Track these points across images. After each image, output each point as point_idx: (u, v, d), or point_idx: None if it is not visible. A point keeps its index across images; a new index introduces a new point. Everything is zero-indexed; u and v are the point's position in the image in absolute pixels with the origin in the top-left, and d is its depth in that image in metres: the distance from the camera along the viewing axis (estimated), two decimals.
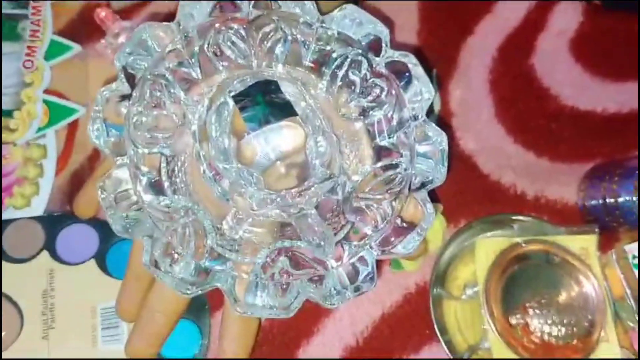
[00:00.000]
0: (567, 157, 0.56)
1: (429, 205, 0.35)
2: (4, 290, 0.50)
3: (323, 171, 0.32)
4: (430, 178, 0.36)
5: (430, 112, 0.56)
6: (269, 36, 0.34)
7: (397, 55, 0.35)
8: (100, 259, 0.51)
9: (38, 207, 0.53)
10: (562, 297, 0.48)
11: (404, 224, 0.35)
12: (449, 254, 0.52)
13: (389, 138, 0.35)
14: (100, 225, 0.52)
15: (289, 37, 0.34)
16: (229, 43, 0.34)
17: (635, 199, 0.48)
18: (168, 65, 0.34)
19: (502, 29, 0.59)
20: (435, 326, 0.50)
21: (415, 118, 0.35)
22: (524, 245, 0.49)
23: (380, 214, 0.34)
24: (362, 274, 0.35)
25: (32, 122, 0.53)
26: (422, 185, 0.36)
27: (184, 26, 0.35)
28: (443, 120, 0.57)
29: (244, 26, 0.34)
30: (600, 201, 0.51)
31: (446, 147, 0.35)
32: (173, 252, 0.35)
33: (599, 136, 0.56)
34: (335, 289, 0.35)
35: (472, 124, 0.57)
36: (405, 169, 0.34)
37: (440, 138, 0.35)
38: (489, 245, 0.49)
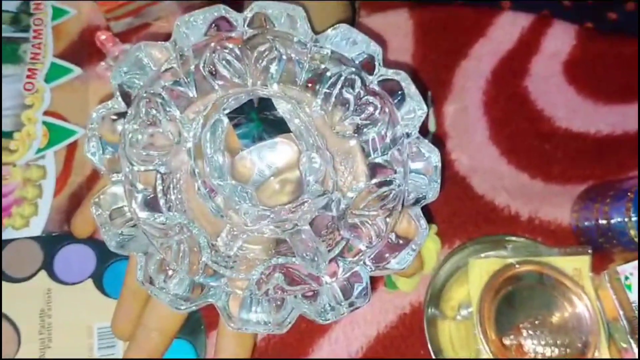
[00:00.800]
0: (561, 178, 0.56)
1: (423, 221, 0.36)
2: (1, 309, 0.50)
3: (317, 187, 0.33)
4: (424, 194, 0.36)
5: (425, 133, 0.57)
6: (264, 55, 0.35)
7: (390, 73, 0.36)
8: (98, 279, 0.52)
9: (36, 227, 0.53)
10: (556, 318, 0.49)
11: (398, 240, 0.36)
12: (443, 274, 0.52)
13: (383, 155, 0.35)
14: (98, 246, 0.52)
15: (284, 57, 0.35)
16: (224, 62, 0.35)
17: (627, 220, 0.49)
18: (164, 84, 0.34)
19: (496, 52, 0.60)
20: (430, 347, 0.50)
21: (408, 135, 0.36)
22: (517, 266, 0.49)
23: (375, 230, 0.35)
24: (357, 289, 0.35)
25: (31, 144, 0.54)
26: (416, 201, 0.36)
27: (180, 45, 0.35)
28: (438, 142, 0.57)
29: (239, 46, 0.35)
30: (593, 222, 0.52)
31: (439, 164, 0.36)
32: (167, 268, 0.35)
33: (592, 158, 0.57)
34: (329, 304, 0.35)
35: (467, 145, 0.57)
36: (399, 185, 0.35)
37: (433, 154, 0.36)
38: (483, 266, 0.50)
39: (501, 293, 0.49)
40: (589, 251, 0.50)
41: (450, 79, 0.60)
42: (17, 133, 0.54)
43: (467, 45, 0.60)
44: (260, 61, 0.35)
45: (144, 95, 0.34)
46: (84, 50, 0.58)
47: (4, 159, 0.54)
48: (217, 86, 0.35)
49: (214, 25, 0.35)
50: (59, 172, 0.55)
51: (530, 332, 0.48)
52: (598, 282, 0.49)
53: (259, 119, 0.33)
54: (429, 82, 0.59)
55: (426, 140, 0.36)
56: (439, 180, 0.36)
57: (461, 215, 0.55)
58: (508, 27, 0.61)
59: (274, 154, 0.33)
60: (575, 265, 0.50)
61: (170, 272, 0.35)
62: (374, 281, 0.53)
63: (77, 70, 0.57)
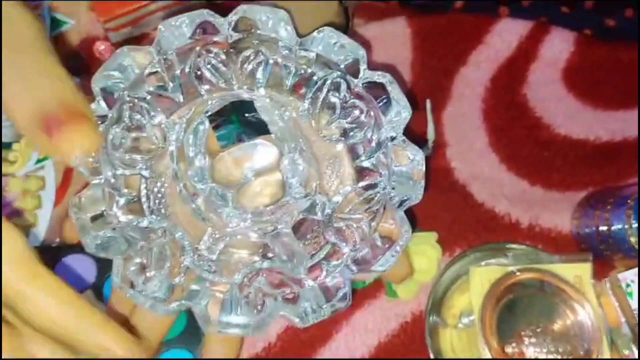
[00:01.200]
0: (561, 185, 0.56)
1: (406, 224, 0.36)
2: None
3: (299, 190, 0.33)
4: (408, 196, 0.36)
5: (425, 141, 0.57)
6: (250, 60, 0.35)
7: (375, 76, 0.36)
8: (98, 289, 0.51)
9: (36, 238, 0.53)
10: (558, 325, 0.49)
11: (382, 243, 0.36)
12: (444, 282, 0.52)
13: (369, 159, 0.35)
14: (98, 256, 0.52)
15: (270, 61, 0.35)
16: (209, 67, 0.34)
17: (627, 227, 0.49)
18: (149, 88, 0.34)
19: (494, 59, 0.60)
20: (431, 355, 0.50)
21: (393, 138, 0.36)
22: (518, 273, 0.49)
23: (359, 233, 0.35)
24: (339, 292, 0.35)
25: (30, 155, 0.54)
26: (400, 203, 0.36)
27: (164, 49, 0.35)
28: (437, 150, 0.57)
29: (225, 50, 0.35)
30: (594, 229, 0.52)
31: (423, 167, 0.36)
32: (146, 271, 0.34)
33: (592, 164, 0.57)
34: (311, 307, 0.35)
35: (466, 153, 0.57)
36: (384, 188, 0.35)
37: (417, 157, 0.36)
38: (484, 274, 0.50)
39: (502, 301, 0.49)
40: (590, 258, 0.50)
41: (449, 87, 0.60)
42: (16, 144, 0.54)
43: (465, 53, 0.61)
44: (246, 65, 0.35)
45: (128, 99, 0.34)
46: (82, 61, 0.58)
47: (3, 170, 0.53)
48: (204, 91, 0.35)
49: (198, 29, 0.35)
50: (58, 183, 0.55)
51: (532, 339, 0.48)
52: (600, 289, 0.49)
53: (239, 121, 0.34)
54: (428, 89, 0.59)
55: (411, 143, 0.36)
56: (423, 183, 0.36)
57: (461, 223, 0.55)
58: (506, 35, 0.61)
59: (254, 156, 0.34)
60: (576, 272, 0.50)
61: (149, 275, 0.34)
62: (375, 290, 0.53)
63: (75, 81, 0.57)
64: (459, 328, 0.50)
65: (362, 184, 0.35)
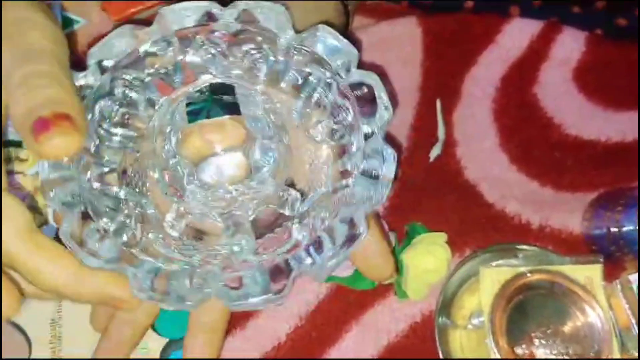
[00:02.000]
0: (571, 186, 0.56)
1: (363, 225, 0.36)
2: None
3: (264, 174, 0.34)
4: (374, 196, 0.36)
5: (435, 141, 0.57)
6: (249, 54, 0.36)
7: (361, 75, 0.36)
8: None
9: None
10: (568, 327, 0.48)
11: (339, 240, 0.36)
12: (454, 283, 0.52)
13: (351, 159, 0.36)
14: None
15: (271, 57, 0.35)
16: (209, 57, 0.35)
17: (638, 228, 0.49)
18: (149, 70, 0.35)
19: (505, 59, 0.60)
20: (441, 355, 0.50)
21: (369, 137, 0.36)
22: (528, 274, 0.49)
23: (323, 229, 0.35)
24: (282, 282, 0.36)
25: None
26: (366, 201, 0.36)
27: (166, 31, 0.35)
28: (447, 150, 0.57)
29: (226, 42, 0.35)
30: (605, 230, 0.52)
31: (394, 168, 0.36)
32: (102, 233, 0.34)
33: (603, 165, 0.56)
34: (250, 294, 0.35)
35: (476, 153, 0.57)
36: (354, 187, 0.35)
37: (390, 158, 0.36)
38: (494, 275, 0.49)
39: (513, 302, 0.48)
40: (601, 260, 0.50)
41: (459, 87, 0.60)
42: None
43: (476, 53, 0.60)
44: (246, 59, 0.36)
45: (124, 77, 0.35)
46: None
47: (15, 167, 0.54)
48: (201, 80, 0.36)
49: (201, 19, 0.36)
50: None
51: (542, 341, 0.48)
52: (610, 291, 0.49)
53: (213, 101, 0.34)
54: (438, 89, 0.59)
55: (387, 144, 0.36)
56: (390, 184, 0.36)
57: (471, 223, 0.55)
58: (517, 34, 0.61)
59: (222, 134, 0.35)
60: (586, 273, 0.49)
61: (105, 238, 0.35)
62: (385, 290, 0.53)
63: None
64: (468, 329, 0.50)
65: (337, 184, 0.36)
